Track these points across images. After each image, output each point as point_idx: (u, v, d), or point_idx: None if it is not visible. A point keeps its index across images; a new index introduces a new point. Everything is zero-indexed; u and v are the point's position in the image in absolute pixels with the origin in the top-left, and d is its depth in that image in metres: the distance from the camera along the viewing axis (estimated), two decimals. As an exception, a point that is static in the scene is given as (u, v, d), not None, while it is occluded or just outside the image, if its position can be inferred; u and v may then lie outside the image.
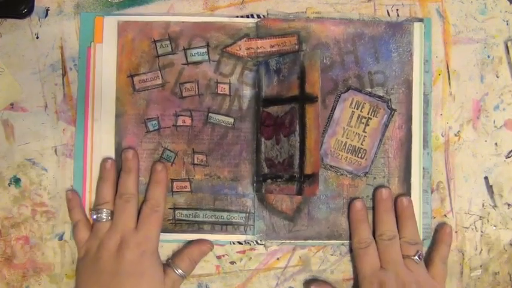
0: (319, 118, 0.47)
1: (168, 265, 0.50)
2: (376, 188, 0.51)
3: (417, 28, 0.52)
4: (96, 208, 0.49)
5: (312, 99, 0.48)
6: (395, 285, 0.47)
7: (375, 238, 0.50)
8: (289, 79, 0.49)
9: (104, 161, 0.50)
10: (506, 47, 0.53)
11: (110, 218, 0.49)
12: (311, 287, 0.51)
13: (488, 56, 0.54)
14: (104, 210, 0.49)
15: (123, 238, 0.48)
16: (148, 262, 0.48)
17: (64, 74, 0.52)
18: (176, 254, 0.51)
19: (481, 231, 0.54)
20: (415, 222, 0.50)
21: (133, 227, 0.49)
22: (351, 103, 0.52)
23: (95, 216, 0.49)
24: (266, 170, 0.51)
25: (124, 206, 0.49)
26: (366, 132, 0.52)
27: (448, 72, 0.53)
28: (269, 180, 0.50)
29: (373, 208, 0.51)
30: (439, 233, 0.52)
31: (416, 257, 0.48)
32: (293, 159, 0.49)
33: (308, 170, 0.48)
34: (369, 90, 0.52)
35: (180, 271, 0.49)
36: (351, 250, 0.52)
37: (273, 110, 0.50)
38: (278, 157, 0.50)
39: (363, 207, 0.51)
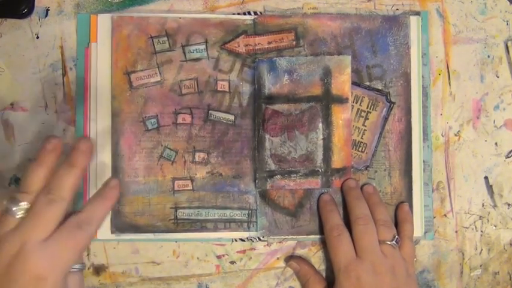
0: (350, 117, 0.51)
1: None
2: (343, 182, 0.51)
3: (414, 21, 0.52)
4: (15, 196, 0.38)
5: (340, 101, 0.51)
6: (372, 277, 0.46)
7: (348, 228, 0.49)
8: (307, 79, 0.51)
9: (47, 139, 0.40)
10: (506, 47, 0.54)
11: (24, 216, 0.38)
12: (290, 261, 0.51)
13: (488, 56, 0.54)
14: (22, 203, 0.38)
15: (22, 249, 0.36)
16: None
17: (64, 74, 0.52)
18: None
19: (481, 231, 0.54)
20: (385, 207, 0.50)
21: (43, 238, 0.37)
22: (350, 97, 0.53)
23: (7, 205, 0.38)
24: (273, 167, 0.51)
25: (44, 208, 0.37)
26: (365, 126, 0.52)
27: (448, 72, 0.54)
28: (278, 176, 0.51)
29: (343, 201, 0.51)
30: (399, 214, 0.51)
31: (393, 242, 0.48)
32: (313, 155, 0.51)
33: (337, 164, 0.51)
34: (368, 83, 0.52)
35: (76, 266, 0.40)
36: (324, 244, 0.52)
37: (283, 107, 0.51)
38: (292, 153, 0.51)
39: (331, 199, 0.51)
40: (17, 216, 0.37)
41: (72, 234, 0.38)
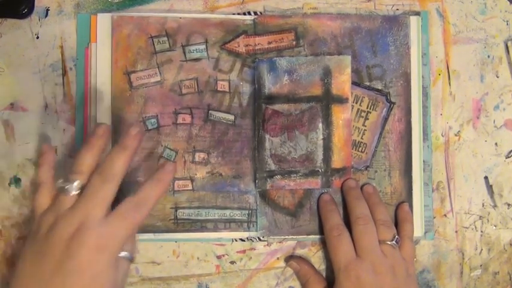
0: (350, 117, 0.51)
1: None
2: (343, 182, 0.51)
3: (414, 21, 0.52)
4: (68, 176, 0.41)
5: (340, 101, 0.51)
6: (372, 277, 0.46)
7: (348, 228, 0.49)
8: (307, 79, 0.51)
9: (98, 125, 0.43)
10: (506, 47, 0.54)
11: (78, 192, 0.40)
12: (290, 261, 0.51)
13: (488, 56, 0.54)
14: (76, 181, 0.41)
15: (83, 225, 0.38)
16: (105, 263, 0.39)
17: (64, 73, 0.52)
18: None
19: (481, 231, 0.54)
20: (385, 207, 0.50)
21: (102, 216, 0.39)
22: (350, 97, 0.53)
23: (61, 184, 0.41)
24: (273, 167, 0.51)
25: (99, 187, 0.40)
26: (365, 126, 0.52)
27: (448, 72, 0.54)
28: (278, 176, 0.51)
29: (343, 201, 0.51)
30: (399, 214, 0.51)
31: (393, 242, 0.48)
32: (313, 155, 0.51)
33: (337, 165, 0.51)
34: (368, 83, 0.52)
35: (124, 254, 0.42)
36: (324, 244, 0.52)
37: (283, 107, 0.51)
38: (292, 153, 0.51)
39: (331, 199, 0.51)
40: (72, 194, 0.40)
41: (130, 213, 0.40)
